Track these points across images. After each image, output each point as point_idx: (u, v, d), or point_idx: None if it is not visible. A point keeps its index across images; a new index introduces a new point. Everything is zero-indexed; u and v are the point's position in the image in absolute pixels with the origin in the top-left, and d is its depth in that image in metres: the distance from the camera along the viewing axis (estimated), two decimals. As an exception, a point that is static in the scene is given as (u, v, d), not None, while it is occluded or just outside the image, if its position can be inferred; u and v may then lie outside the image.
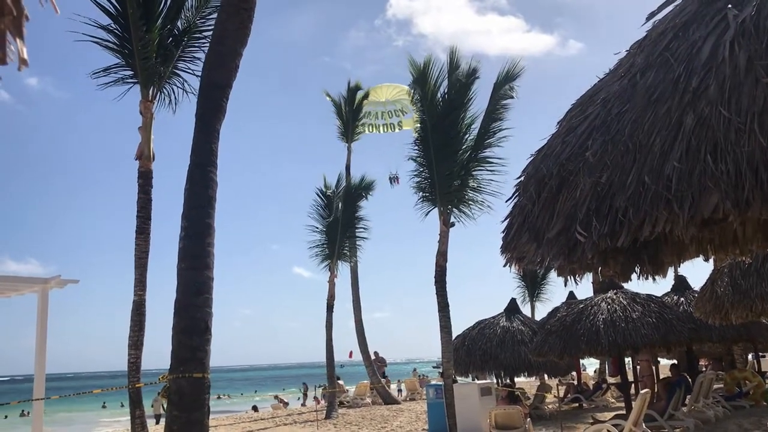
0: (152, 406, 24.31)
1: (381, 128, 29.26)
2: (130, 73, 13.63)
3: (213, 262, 7.50)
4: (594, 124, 3.99)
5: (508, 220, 4.59)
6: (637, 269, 4.62)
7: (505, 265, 4.65)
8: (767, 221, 4.06)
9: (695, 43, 3.66)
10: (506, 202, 4.68)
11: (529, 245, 4.23)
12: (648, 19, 4.54)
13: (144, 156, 13.04)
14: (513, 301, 19.75)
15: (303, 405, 35.35)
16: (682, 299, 15.97)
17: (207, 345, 7.31)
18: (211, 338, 7.43)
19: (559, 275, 4.56)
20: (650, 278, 4.85)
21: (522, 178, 4.55)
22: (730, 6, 3.59)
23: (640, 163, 3.46)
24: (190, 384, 7.05)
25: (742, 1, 3.59)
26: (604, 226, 3.52)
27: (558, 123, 4.56)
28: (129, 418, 12.33)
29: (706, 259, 5.51)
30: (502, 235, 4.60)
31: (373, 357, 27.67)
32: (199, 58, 13.88)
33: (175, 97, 14.13)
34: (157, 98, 13.72)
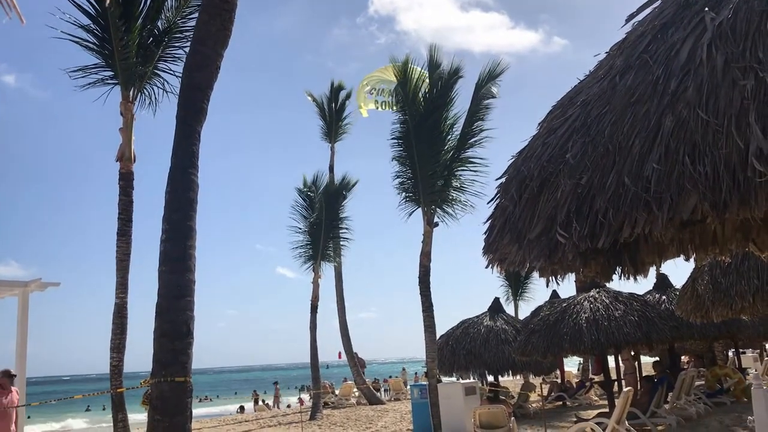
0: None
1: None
2: (110, 73, 13.54)
3: (195, 265, 7.45)
4: (574, 126, 4.01)
5: (489, 221, 4.59)
6: (618, 270, 4.63)
7: (487, 267, 4.65)
8: (745, 221, 4.09)
9: (674, 46, 3.68)
10: (488, 203, 4.69)
11: (511, 246, 4.24)
12: (627, 20, 4.56)
13: (125, 157, 12.95)
14: (497, 300, 19.83)
15: (273, 407, 34.88)
16: (663, 297, 16.10)
17: (189, 349, 7.26)
18: (193, 342, 7.38)
19: (540, 276, 4.56)
20: (631, 278, 4.89)
21: (503, 180, 4.55)
22: (707, 9, 3.61)
23: (620, 165, 3.47)
24: (172, 388, 7.00)
25: (719, 3, 3.62)
26: (585, 227, 3.53)
27: (539, 124, 4.57)
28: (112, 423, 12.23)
29: (687, 259, 5.53)
30: (484, 236, 4.61)
31: (338, 357, 27.66)
32: (180, 58, 13.81)
33: (156, 98, 14.06)
34: (137, 99, 13.64)
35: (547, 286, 4.75)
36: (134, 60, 13.26)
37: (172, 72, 13.90)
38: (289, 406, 33.73)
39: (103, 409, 40.37)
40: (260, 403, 36.45)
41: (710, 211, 3.07)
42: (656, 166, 3.28)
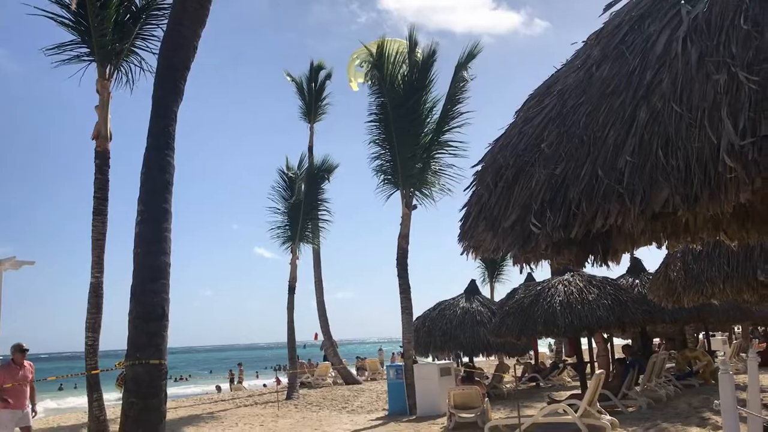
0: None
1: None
2: (86, 50, 13.32)
3: (170, 248, 7.40)
4: (550, 116, 4.03)
5: (465, 208, 4.62)
6: (591, 257, 4.69)
7: (462, 253, 4.68)
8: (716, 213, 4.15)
9: (650, 37, 3.70)
10: (464, 190, 4.71)
11: (486, 234, 4.26)
12: (605, 9, 4.58)
13: (101, 136, 12.80)
14: (473, 282, 19.97)
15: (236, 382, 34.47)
16: (637, 281, 16.36)
17: (164, 331, 7.23)
18: (168, 324, 7.35)
19: (514, 264, 4.60)
20: (604, 265, 4.95)
21: (479, 168, 4.57)
22: (683, 1, 3.63)
23: (594, 156, 3.50)
24: (146, 370, 6.98)
25: (695, -4, 3.64)
26: (558, 217, 3.57)
27: (516, 113, 4.59)
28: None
29: (659, 247, 5.61)
30: (460, 223, 4.63)
31: (323, 338, 27.77)
32: (157, 36, 13.61)
33: (133, 76, 13.86)
34: (114, 77, 13.44)
35: (521, 272, 4.79)
36: (111, 37, 13.05)
37: (149, 50, 13.71)
38: (265, 386, 33.75)
39: (75, 388, 40.12)
40: (236, 382, 36.49)
41: (681, 204, 3.11)
42: (629, 158, 3.31)
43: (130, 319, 7.19)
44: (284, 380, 25.35)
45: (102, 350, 12.28)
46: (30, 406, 9.63)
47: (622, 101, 3.56)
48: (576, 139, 3.68)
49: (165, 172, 7.43)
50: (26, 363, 9.72)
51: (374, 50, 17.42)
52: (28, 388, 9.62)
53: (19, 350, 9.66)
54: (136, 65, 13.77)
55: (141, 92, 13.84)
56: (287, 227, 23.87)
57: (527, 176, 3.96)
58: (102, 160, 12.71)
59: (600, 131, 3.56)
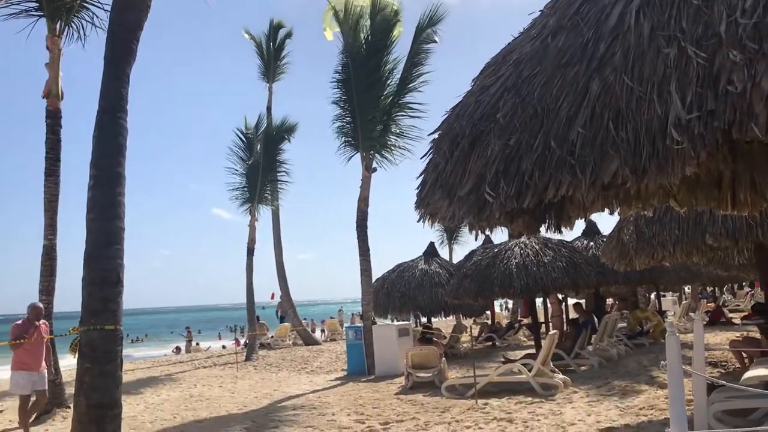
0: None
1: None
2: (35, 4, 12.81)
3: (124, 212, 7.27)
4: (506, 85, 4.05)
5: (422, 176, 4.64)
6: (545, 225, 4.78)
7: (419, 221, 4.73)
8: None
9: (604, 9, 3.73)
10: (421, 158, 4.73)
11: (442, 202, 4.31)
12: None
13: (52, 94, 12.41)
14: (432, 244, 20.13)
15: (183, 352, 33.23)
16: (591, 244, 16.71)
17: (119, 297, 7.16)
18: (123, 289, 7.28)
19: (470, 231, 4.67)
20: (557, 231, 5.05)
21: (436, 136, 4.59)
22: (637, -26, 3.66)
23: (547, 127, 3.55)
24: (101, 336, 6.92)
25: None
26: (512, 187, 3.62)
27: (472, 81, 4.60)
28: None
29: (611, 213, 5.73)
30: (417, 191, 4.66)
31: (279, 299, 27.81)
32: (109, -9, 13.13)
33: (85, 32, 13.40)
34: (65, 33, 12.98)
35: (476, 239, 4.86)
36: (60, -9, 12.57)
37: (100, 5, 13.23)
38: (224, 347, 33.74)
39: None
40: (194, 343, 36.39)
41: (630, 176, 3.19)
42: (581, 130, 3.37)
43: (83, 285, 7.09)
44: (243, 341, 25.41)
45: (58, 311, 12.11)
46: (45, 368, 9.40)
47: (575, 73, 3.60)
48: (530, 109, 3.72)
49: (118, 135, 7.26)
50: (42, 323, 9.47)
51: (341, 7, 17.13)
52: (44, 349, 9.38)
53: (34, 309, 9.40)
54: (88, 21, 13.30)
55: (95, 50, 13.42)
56: (246, 188, 23.66)
57: (483, 145, 3.99)
58: (53, 119, 12.35)
59: (553, 103, 3.61)
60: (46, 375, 9.48)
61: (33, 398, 9.45)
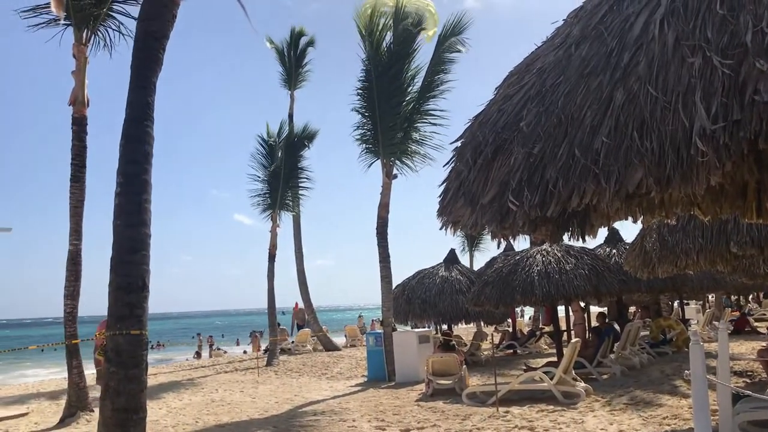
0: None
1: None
2: (62, 14, 13.02)
3: (150, 219, 7.37)
4: (529, 94, 4.06)
5: (444, 184, 4.67)
6: (568, 233, 4.78)
7: (441, 228, 4.75)
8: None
9: (628, 18, 3.73)
10: (443, 166, 4.75)
11: (464, 210, 4.32)
12: (586, -14, 4.59)
13: (78, 101, 12.62)
14: (452, 251, 20.11)
15: (197, 357, 33.89)
16: (614, 251, 16.60)
17: (144, 302, 7.24)
18: (148, 295, 7.36)
19: (492, 239, 4.67)
20: (580, 239, 5.05)
21: (459, 144, 4.61)
22: (661, -17, 3.66)
23: (571, 136, 3.56)
24: (127, 341, 7.01)
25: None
26: (535, 196, 3.63)
27: (495, 90, 4.62)
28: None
29: (635, 221, 5.72)
30: (439, 198, 4.69)
31: (294, 308, 27.90)
32: (136, 0, 13.32)
33: (111, 41, 13.62)
34: (91, 41, 13.20)
35: (498, 247, 4.88)
36: (87, 0, 12.79)
37: (127, 14, 13.44)
38: (245, 352, 33.89)
39: (55, 350, 39.86)
40: (215, 348, 36.62)
41: (654, 186, 3.18)
42: (605, 139, 3.37)
43: (110, 290, 7.19)
44: (264, 346, 25.53)
45: (83, 315, 12.28)
46: None
47: (599, 82, 3.61)
48: (554, 118, 3.73)
49: (144, 143, 7.36)
50: None
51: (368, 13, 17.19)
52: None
53: None
54: (114, 30, 13.53)
55: (122, 59, 13.56)
56: (267, 195, 23.83)
57: (506, 154, 4.01)
58: (79, 126, 12.55)
59: (577, 112, 3.61)
60: None
61: None
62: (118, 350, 7.04)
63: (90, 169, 12.64)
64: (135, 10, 12.83)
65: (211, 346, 37.75)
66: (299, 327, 29.42)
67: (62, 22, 13.07)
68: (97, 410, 8.31)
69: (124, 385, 6.96)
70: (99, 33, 13.35)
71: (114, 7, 13.34)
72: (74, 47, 12.83)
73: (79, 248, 12.30)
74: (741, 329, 21.09)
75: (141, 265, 7.26)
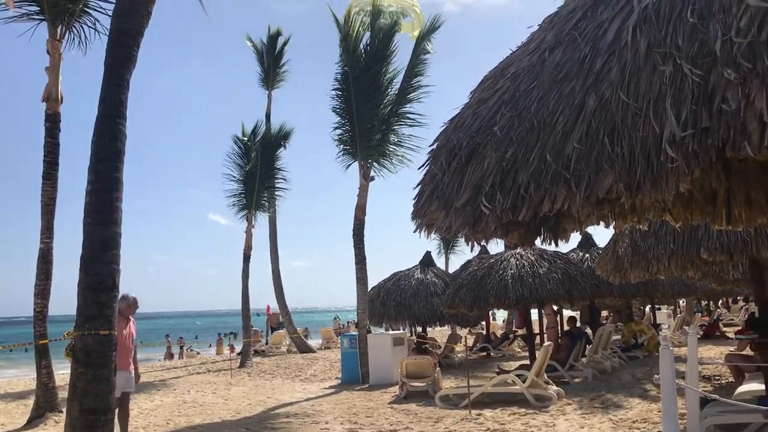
0: None
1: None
2: (36, 8, 12.85)
3: (121, 218, 7.26)
4: (503, 99, 4.08)
5: (419, 187, 4.67)
6: (540, 237, 4.80)
7: (415, 231, 4.75)
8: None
9: (602, 25, 3.76)
10: (418, 169, 4.76)
11: (438, 213, 4.33)
12: (561, -9, 4.62)
13: (51, 98, 12.44)
14: (428, 254, 20.17)
15: (170, 358, 33.35)
16: (587, 256, 16.76)
17: (114, 302, 7.15)
18: (118, 295, 7.28)
19: (466, 242, 4.68)
20: (553, 244, 5.08)
21: (434, 147, 4.62)
22: (635, -10, 3.69)
23: (543, 141, 3.57)
24: (96, 341, 6.91)
25: (646, -15, 3.70)
26: (507, 200, 3.64)
27: (470, 93, 4.64)
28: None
29: (607, 227, 5.77)
30: (414, 201, 4.69)
31: (266, 311, 27.78)
32: (111, -4, 13.16)
33: (86, 37, 13.44)
34: (66, 37, 13.02)
35: (471, 250, 4.89)
36: (62, -5, 12.61)
37: (103, 10, 13.27)
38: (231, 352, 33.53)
39: (26, 351, 39.26)
40: (187, 349, 36.30)
41: (624, 191, 3.20)
42: (577, 144, 3.38)
43: (79, 289, 7.08)
44: (238, 348, 25.35)
45: (56, 314, 12.10)
46: (133, 369, 8.65)
47: (572, 88, 3.63)
48: (527, 123, 3.74)
49: (116, 140, 7.26)
50: (131, 319, 8.71)
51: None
52: (133, 348, 8.72)
53: (125, 301, 8.40)
54: (89, 26, 13.35)
55: (96, 56, 13.42)
56: (243, 195, 23.69)
57: (479, 158, 4.02)
58: (52, 123, 12.37)
59: (550, 117, 3.63)
60: (133, 377, 8.70)
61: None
62: (87, 350, 6.94)
63: (63, 166, 12.47)
64: (110, 7, 12.71)
65: (181, 347, 37.41)
66: (272, 329, 29.33)
67: (36, 17, 12.89)
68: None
69: (93, 386, 6.87)
70: (74, 29, 13.18)
71: (90, 3, 13.17)
72: (48, 43, 12.66)
73: (51, 246, 12.12)
74: (711, 334, 21.40)
75: (111, 265, 7.17)
